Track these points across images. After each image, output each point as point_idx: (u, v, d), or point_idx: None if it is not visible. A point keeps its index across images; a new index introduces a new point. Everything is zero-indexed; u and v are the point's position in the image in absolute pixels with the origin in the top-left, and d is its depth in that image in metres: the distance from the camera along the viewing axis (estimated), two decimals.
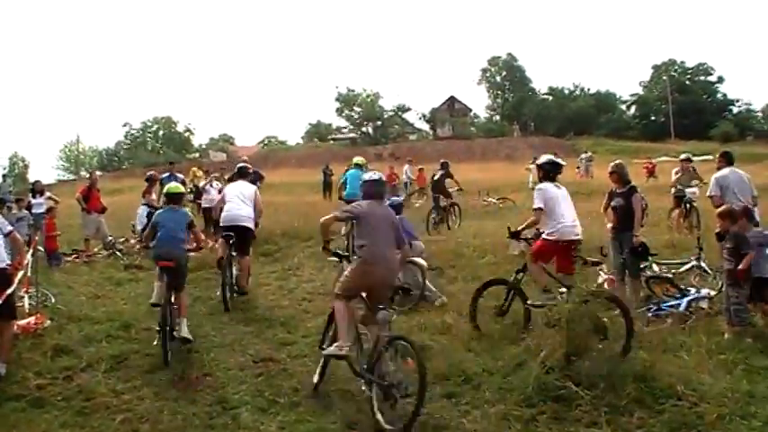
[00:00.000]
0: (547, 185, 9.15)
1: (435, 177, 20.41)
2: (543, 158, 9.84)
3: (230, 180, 18.24)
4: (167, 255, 8.82)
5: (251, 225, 11.64)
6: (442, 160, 21.84)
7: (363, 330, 7.17)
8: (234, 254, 11.41)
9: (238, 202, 11.56)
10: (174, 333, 8.52)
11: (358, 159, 16.66)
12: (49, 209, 15.88)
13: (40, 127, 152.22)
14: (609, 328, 7.44)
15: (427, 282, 10.67)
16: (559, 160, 9.71)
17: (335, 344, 6.83)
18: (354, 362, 6.91)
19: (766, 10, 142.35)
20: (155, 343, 8.43)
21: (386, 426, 6.20)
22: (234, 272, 11.46)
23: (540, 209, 8.90)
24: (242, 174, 12.46)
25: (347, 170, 16.81)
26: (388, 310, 7.12)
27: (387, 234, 7.15)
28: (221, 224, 11.50)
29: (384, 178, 7.97)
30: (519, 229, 9.30)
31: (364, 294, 7.21)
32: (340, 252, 8.10)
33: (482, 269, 12.19)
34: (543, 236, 8.90)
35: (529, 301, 8.66)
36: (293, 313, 10.60)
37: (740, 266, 8.26)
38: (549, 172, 9.41)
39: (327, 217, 7.52)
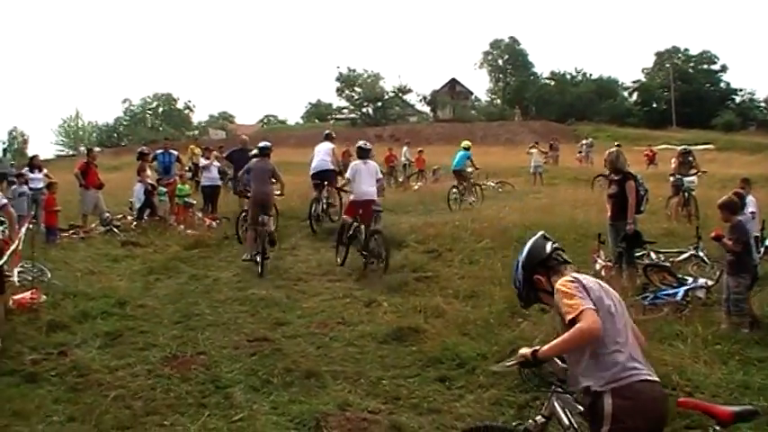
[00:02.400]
0: (357, 162, 13.04)
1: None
2: (359, 143, 14.08)
3: (228, 158, 18.32)
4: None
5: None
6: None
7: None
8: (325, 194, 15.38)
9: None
10: None
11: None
12: (49, 184, 15.78)
13: (39, 101, 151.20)
14: None
15: None
16: (367, 145, 13.75)
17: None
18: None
19: None
20: None
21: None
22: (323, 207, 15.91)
23: (348, 180, 13.00)
24: (327, 137, 17.26)
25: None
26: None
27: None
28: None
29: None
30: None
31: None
32: None
33: (479, 253, 12.16)
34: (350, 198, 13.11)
35: None
36: (289, 293, 10.59)
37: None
38: (360, 154, 13.31)
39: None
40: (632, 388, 3.50)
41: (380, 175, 13.74)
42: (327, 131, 18.40)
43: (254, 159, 13.67)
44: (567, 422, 3.91)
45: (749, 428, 5.38)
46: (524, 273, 3.99)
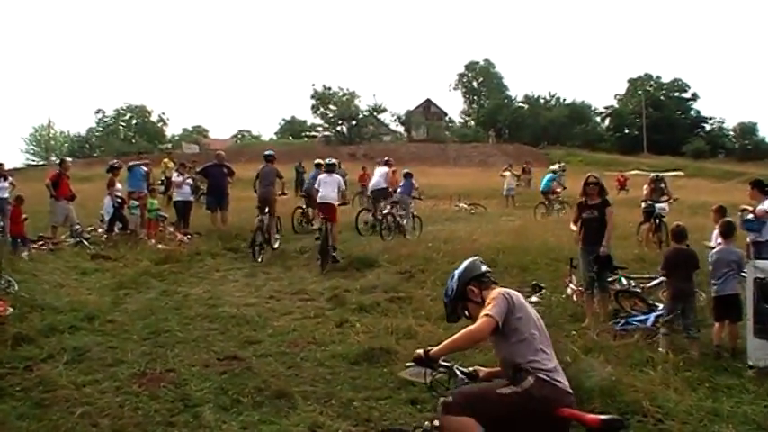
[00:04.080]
0: (322, 174, 15.70)
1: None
2: (327, 160, 16.83)
3: (202, 173, 18.29)
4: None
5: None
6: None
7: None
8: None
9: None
10: None
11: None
12: (17, 197, 15.54)
13: (8, 108, 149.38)
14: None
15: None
16: (333, 161, 17.01)
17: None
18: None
19: (742, 31, 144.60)
20: None
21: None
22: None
23: (317, 189, 15.26)
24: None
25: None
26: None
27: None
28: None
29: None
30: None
31: None
32: None
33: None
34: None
35: None
36: (260, 311, 10.50)
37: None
38: (325, 168, 16.01)
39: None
40: (552, 382, 4.00)
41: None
42: (387, 159, 22.08)
43: (262, 165, 16.91)
44: None
45: None
46: (459, 283, 4.45)
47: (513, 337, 4.11)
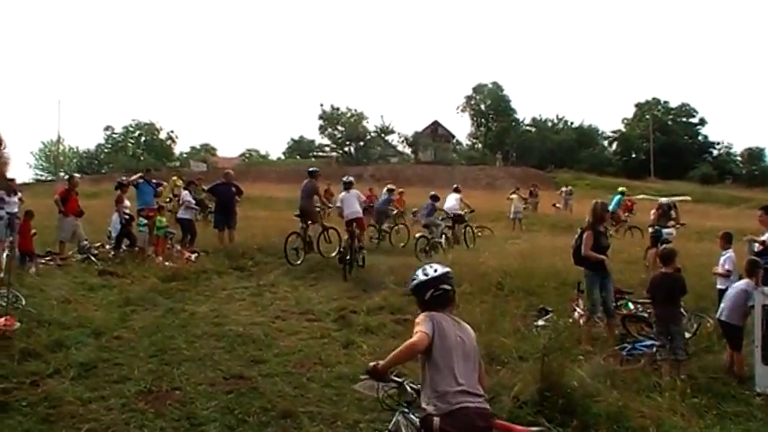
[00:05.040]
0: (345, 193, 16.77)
1: None
2: (344, 178, 17.64)
3: (211, 191, 18.37)
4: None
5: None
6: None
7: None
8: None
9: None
10: None
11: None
12: (26, 212, 15.56)
13: (17, 123, 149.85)
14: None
15: None
16: (350, 179, 17.52)
17: None
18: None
19: (750, 56, 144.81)
20: None
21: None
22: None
23: (339, 207, 16.64)
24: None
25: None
26: None
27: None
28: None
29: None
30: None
31: None
32: None
33: (458, 298, 12.08)
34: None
35: None
36: (266, 331, 10.48)
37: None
38: (344, 186, 17.14)
39: None
40: (455, 414, 4.26)
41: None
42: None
43: (305, 180, 17.59)
44: None
45: None
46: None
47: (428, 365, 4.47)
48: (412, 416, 4.62)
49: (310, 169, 18.46)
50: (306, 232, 16.73)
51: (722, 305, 9.15)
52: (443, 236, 20.36)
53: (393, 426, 4.73)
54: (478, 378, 4.61)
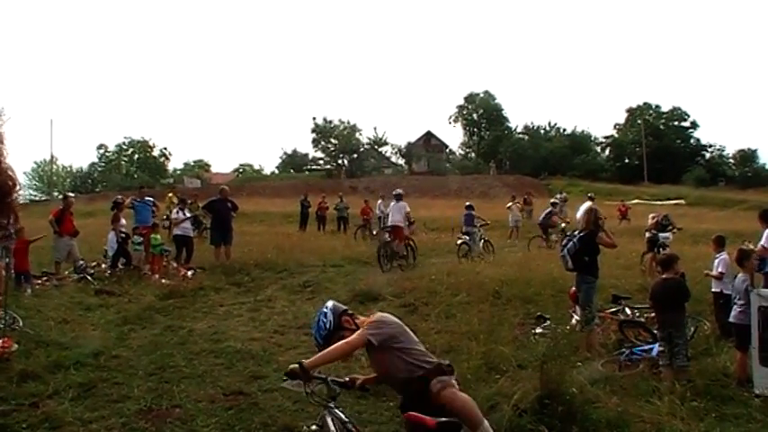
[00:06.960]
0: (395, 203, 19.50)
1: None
2: (395, 191, 20.49)
3: (206, 207, 18.43)
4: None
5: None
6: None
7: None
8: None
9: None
10: None
11: None
12: (18, 229, 15.49)
13: (10, 142, 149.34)
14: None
15: None
16: (399, 192, 20.38)
17: None
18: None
19: (740, 58, 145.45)
20: None
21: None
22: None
23: (387, 215, 19.72)
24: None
25: None
26: None
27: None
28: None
29: None
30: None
31: None
32: None
33: (455, 307, 12.15)
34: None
35: None
36: (265, 346, 10.44)
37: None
38: (397, 198, 19.74)
39: None
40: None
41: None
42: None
43: (393, 202, 20.03)
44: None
45: None
46: (334, 316, 5.14)
47: (396, 352, 4.98)
48: (337, 411, 4.85)
49: (396, 192, 20.68)
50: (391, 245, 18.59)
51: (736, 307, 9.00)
52: (482, 240, 22.03)
53: (320, 421, 4.87)
54: None
